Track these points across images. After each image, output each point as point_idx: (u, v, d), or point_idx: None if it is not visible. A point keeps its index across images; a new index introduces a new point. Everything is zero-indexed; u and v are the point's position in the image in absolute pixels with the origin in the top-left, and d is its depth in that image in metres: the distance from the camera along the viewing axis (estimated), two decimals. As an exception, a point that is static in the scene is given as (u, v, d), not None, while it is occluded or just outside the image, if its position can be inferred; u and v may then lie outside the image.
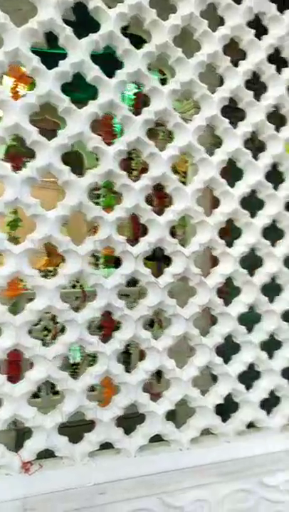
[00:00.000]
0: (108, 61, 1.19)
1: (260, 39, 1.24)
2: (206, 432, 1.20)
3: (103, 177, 1.05)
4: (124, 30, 1.13)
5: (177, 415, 1.23)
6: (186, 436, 1.15)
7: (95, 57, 1.21)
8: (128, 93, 2.90)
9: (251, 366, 1.24)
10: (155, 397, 1.16)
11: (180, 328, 1.15)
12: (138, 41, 1.15)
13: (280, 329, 1.26)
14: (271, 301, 1.26)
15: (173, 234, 2.65)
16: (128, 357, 2.82)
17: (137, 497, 1.08)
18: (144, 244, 1.10)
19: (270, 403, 1.27)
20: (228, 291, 1.29)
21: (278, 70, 1.28)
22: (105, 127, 2.38)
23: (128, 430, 1.13)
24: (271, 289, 1.26)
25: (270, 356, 1.27)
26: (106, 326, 2.35)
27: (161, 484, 1.11)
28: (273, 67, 1.26)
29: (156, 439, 1.16)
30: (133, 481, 1.08)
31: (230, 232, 1.26)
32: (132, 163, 3.17)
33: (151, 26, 1.11)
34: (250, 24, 1.24)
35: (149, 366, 1.11)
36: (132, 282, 1.13)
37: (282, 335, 1.27)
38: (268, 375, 1.25)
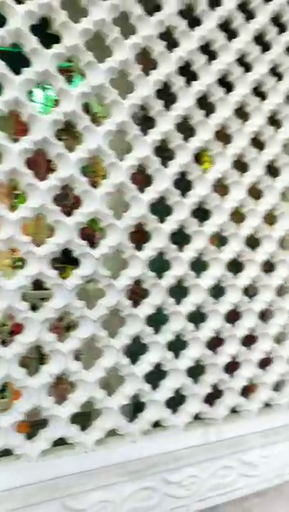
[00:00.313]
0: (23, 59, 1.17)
1: (171, 51, 1.30)
2: (112, 433, 1.21)
3: (7, 175, 1.02)
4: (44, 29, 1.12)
5: (92, 417, 1.23)
6: (91, 438, 1.15)
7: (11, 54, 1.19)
8: (51, 94, 2.86)
9: (158, 366, 1.28)
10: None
11: (87, 330, 1.15)
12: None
13: (185, 330, 1.31)
14: (178, 303, 1.31)
15: (92, 236, 2.63)
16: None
17: (39, 502, 1.06)
18: (50, 246, 1.09)
19: (175, 402, 1.32)
20: (138, 293, 1.32)
21: (188, 82, 1.34)
22: (19, 125, 2.32)
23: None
24: (178, 292, 1.31)
25: (176, 356, 1.31)
26: (15, 331, 2.28)
27: (65, 488, 1.10)
28: (183, 79, 1.31)
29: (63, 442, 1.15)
30: (35, 487, 1.06)
31: (143, 237, 1.30)
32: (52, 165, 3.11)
33: (62, 28, 1.11)
34: (163, 36, 1.29)
35: (53, 369, 1.09)
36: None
37: (188, 335, 1.32)
38: (174, 374, 1.29)
